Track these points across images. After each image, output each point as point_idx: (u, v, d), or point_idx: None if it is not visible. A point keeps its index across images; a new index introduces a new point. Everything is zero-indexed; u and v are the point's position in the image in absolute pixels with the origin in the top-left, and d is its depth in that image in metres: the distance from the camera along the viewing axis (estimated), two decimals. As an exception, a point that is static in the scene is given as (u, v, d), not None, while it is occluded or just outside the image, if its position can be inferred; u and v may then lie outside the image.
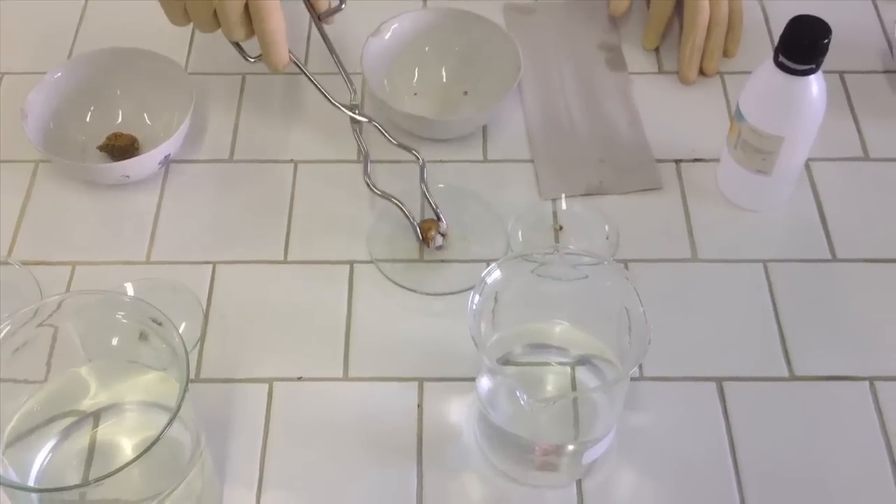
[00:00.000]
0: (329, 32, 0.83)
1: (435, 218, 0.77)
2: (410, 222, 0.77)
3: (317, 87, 0.79)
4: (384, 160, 0.82)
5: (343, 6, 0.80)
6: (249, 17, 0.73)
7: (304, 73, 0.79)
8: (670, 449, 0.68)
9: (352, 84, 0.83)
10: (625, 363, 0.62)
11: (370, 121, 0.82)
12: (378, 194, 0.78)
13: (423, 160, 0.80)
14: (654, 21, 0.92)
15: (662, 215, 0.80)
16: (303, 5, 0.81)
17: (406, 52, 0.87)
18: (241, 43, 0.76)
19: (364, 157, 0.80)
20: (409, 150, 0.80)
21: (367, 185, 0.79)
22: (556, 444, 0.64)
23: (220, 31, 0.74)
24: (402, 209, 0.77)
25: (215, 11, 0.72)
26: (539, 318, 0.67)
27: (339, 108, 0.80)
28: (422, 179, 0.79)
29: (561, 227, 0.79)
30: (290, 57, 0.75)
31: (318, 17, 0.80)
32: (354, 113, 0.81)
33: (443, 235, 0.77)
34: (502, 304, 0.64)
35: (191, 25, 0.75)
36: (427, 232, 0.77)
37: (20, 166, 0.83)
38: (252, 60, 0.78)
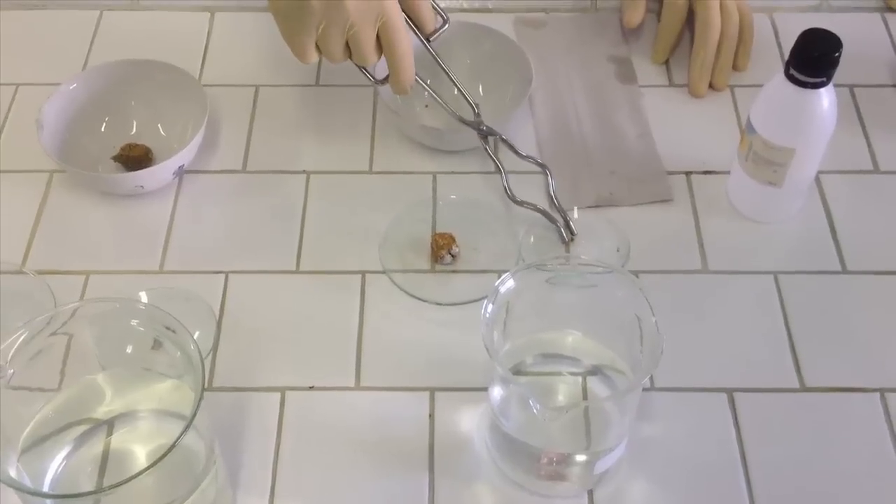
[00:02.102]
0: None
1: (451, 234, 0.78)
2: (556, 226, 0.79)
3: (443, 105, 0.81)
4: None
5: (447, 25, 0.81)
6: (379, 43, 0.74)
7: (430, 92, 0.81)
8: (681, 459, 0.68)
9: (471, 100, 0.83)
10: (637, 373, 0.62)
11: (498, 135, 0.82)
12: (517, 203, 0.80)
13: (549, 170, 0.81)
14: (663, 35, 0.92)
15: (673, 227, 0.81)
16: None
17: (417, 64, 0.88)
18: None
19: (500, 170, 0.81)
20: (534, 161, 0.82)
21: (508, 194, 0.80)
22: (562, 452, 0.65)
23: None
24: (545, 214, 0.79)
25: (346, 43, 0.74)
26: (551, 328, 0.68)
27: (467, 124, 0.82)
28: (550, 187, 0.80)
29: (572, 238, 0.79)
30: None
31: (427, 38, 0.81)
32: (481, 129, 0.82)
33: (453, 256, 0.78)
34: (514, 314, 0.64)
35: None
36: (439, 250, 0.77)
37: (35, 176, 0.83)
38: (378, 82, 0.79)
